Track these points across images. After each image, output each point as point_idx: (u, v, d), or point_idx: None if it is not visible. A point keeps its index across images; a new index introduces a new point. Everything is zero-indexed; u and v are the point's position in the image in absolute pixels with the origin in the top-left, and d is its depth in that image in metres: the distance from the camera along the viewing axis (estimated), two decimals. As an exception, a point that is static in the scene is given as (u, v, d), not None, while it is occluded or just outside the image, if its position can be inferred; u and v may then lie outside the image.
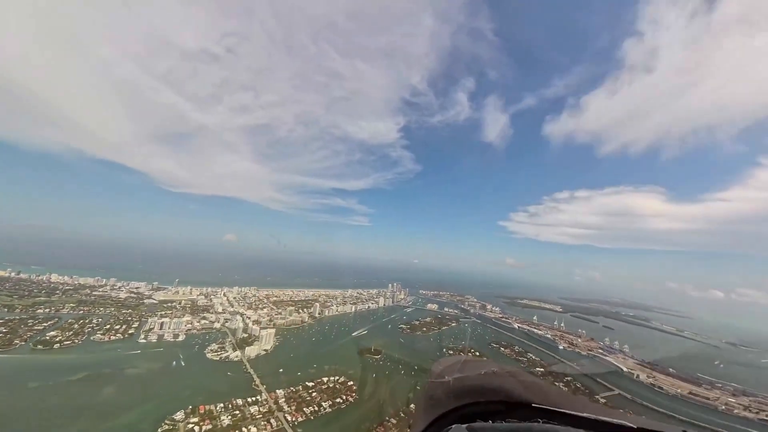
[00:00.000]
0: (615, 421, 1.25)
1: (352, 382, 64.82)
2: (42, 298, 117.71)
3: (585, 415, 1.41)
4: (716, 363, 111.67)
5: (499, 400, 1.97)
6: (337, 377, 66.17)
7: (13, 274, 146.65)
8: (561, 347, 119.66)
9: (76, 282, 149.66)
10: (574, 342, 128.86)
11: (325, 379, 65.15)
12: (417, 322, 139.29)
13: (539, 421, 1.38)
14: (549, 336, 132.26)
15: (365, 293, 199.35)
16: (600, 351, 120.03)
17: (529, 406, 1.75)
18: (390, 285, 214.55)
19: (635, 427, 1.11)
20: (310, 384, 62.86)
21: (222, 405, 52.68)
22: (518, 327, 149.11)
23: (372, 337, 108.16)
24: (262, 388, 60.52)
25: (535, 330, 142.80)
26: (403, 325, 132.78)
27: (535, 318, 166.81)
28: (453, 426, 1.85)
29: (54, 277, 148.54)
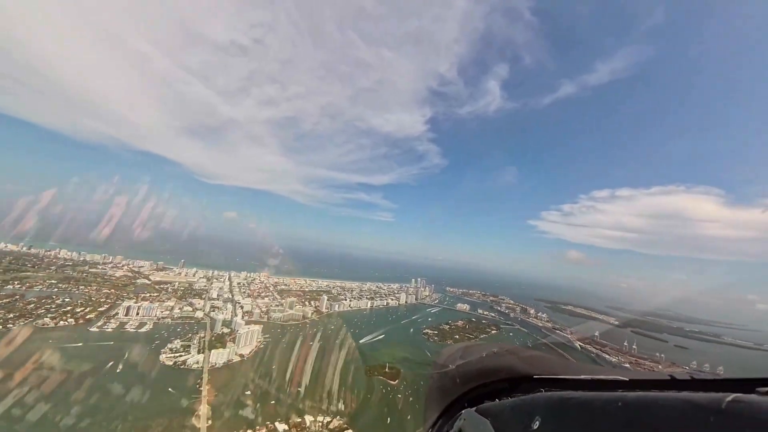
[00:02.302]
0: (610, 377, 1.32)
1: None
2: (27, 273, 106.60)
3: (582, 377, 1.49)
4: None
5: (503, 378, 2.02)
6: (327, 419, 41.14)
7: (24, 248, 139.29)
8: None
9: (81, 258, 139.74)
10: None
11: (308, 420, 40.47)
12: (446, 327, 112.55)
13: (542, 391, 1.45)
14: (628, 366, 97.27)
15: (385, 287, 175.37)
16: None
17: (532, 378, 1.80)
18: (413, 280, 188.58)
19: (627, 379, 1.18)
20: (282, 428, 38.61)
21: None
22: (581, 347, 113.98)
23: (388, 346, 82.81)
24: (205, 425, 37.52)
25: (606, 356, 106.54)
26: (428, 330, 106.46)
27: (597, 334, 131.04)
28: (464, 411, 1.92)
29: (63, 253, 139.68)
